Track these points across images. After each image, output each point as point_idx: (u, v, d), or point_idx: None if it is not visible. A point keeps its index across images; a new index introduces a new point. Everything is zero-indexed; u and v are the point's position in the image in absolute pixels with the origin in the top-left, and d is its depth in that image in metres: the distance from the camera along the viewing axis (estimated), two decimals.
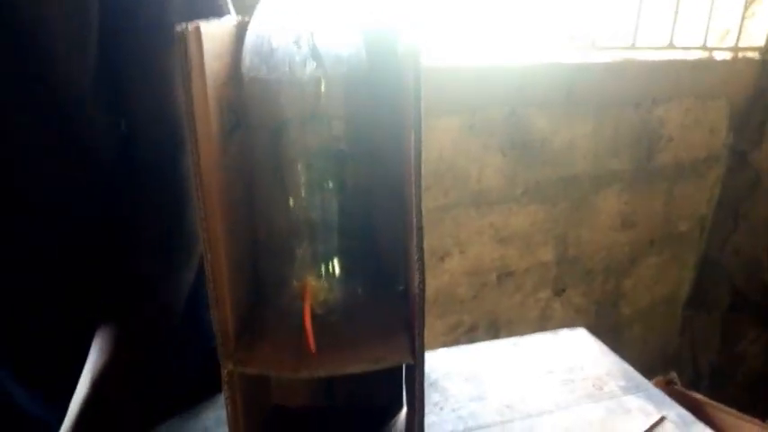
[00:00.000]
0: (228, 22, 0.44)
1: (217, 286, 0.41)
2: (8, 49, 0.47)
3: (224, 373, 0.44)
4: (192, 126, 0.37)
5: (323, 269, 0.48)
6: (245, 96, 0.45)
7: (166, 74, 0.53)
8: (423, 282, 0.42)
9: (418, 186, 0.40)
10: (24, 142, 0.50)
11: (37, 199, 0.52)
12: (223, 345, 0.43)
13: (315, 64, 0.43)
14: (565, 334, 0.81)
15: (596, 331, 0.82)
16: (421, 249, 0.41)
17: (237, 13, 0.47)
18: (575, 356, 0.76)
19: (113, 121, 0.54)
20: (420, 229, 0.41)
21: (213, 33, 0.40)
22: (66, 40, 0.48)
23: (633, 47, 1.34)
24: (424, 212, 0.41)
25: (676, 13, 1.36)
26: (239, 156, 0.47)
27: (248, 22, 0.44)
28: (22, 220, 0.52)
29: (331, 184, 0.47)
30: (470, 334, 1.41)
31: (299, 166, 0.46)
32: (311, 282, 0.47)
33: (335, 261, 0.49)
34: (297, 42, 0.42)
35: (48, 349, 0.58)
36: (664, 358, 1.79)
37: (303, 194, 0.47)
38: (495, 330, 1.44)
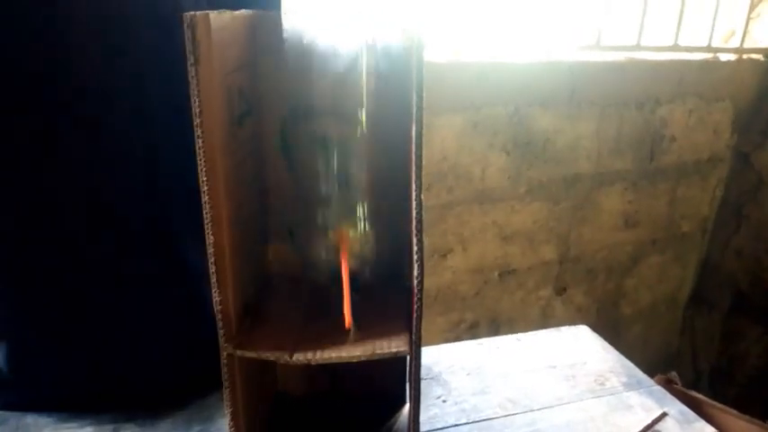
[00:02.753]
0: (242, 12, 0.45)
1: (219, 269, 0.42)
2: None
3: (223, 356, 0.44)
4: (198, 112, 0.38)
5: (358, 218, 0.48)
6: (261, 83, 0.46)
7: None
8: (421, 273, 0.42)
9: (418, 178, 0.40)
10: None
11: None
12: (223, 329, 0.43)
13: (350, 56, 0.43)
14: (567, 330, 0.82)
15: (597, 330, 0.83)
16: (420, 241, 0.42)
17: None
18: (577, 352, 0.76)
19: None
20: (419, 221, 0.41)
21: (224, 22, 0.40)
22: None
23: (637, 46, 1.34)
24: (423, 203, 0.41)
25: (681, 13, 1.36)
26: (250, 141, 0.47)
27: (263, 14, 0.45)
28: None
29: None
30: (472, 331, 1.41)
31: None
32: (348, 231, 0.47)
33: (367, 211, 0.49)
34: (334, 35, 0.43)
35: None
36: (664, 358, 1.79)
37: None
38: (496, 328, 1.45)
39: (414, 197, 0.41)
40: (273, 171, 0.49)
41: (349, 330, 0.45)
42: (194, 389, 0.65)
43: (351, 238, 0.47)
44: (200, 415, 0.62)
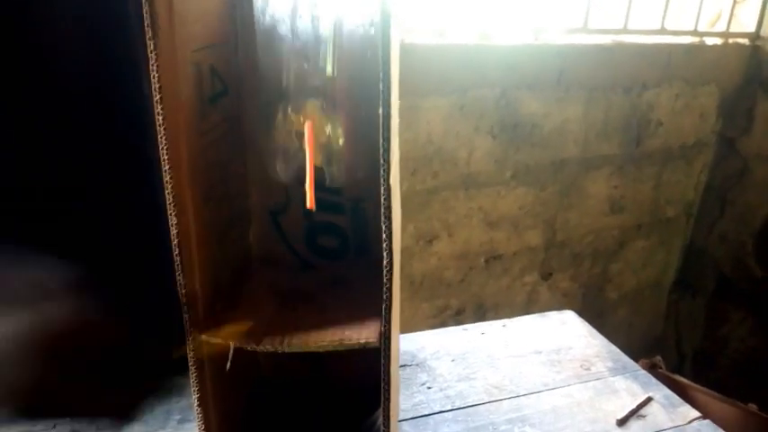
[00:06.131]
0: None
1: (183, 253, 0.40)
2: None
3: (189, 341, 0.43)
4: (158, 88, 0.35)
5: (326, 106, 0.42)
6: (242, 64, 0.44)
7: None
8: (390, 262, 0.41)
9: (386, 162, 0.39)
10: None
11: None
12: (189, 313, 0.42)
13: (317, 30, 0.41)
14: (553, 316, 0.81)
15: (582, 315, 0.82)
16: (389, 228, 0.40)
17: None
18: (563, 338, 0.75)
19: None
20: (388, 207, 0.39)
21: None
22: None
23: (624, 30, 1.33)
24: (393, 192, 0.39)
25: None
26: (226, 121, 0.45)
27: None
28: None
29: None
30: (457, 317, 1.41)
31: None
32: (314, 111, 0.41)
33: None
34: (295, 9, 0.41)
35: None
36: (649, 342, 1.80)
37: None
38: (481, 314, 1.44)
39: (382, 182, 0.39)
40: (253, 152, 0.47)
41: (311, 211, 0.41)
42: (173, 376, 0.63)
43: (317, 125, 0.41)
44: (180, 404, 0.61)
